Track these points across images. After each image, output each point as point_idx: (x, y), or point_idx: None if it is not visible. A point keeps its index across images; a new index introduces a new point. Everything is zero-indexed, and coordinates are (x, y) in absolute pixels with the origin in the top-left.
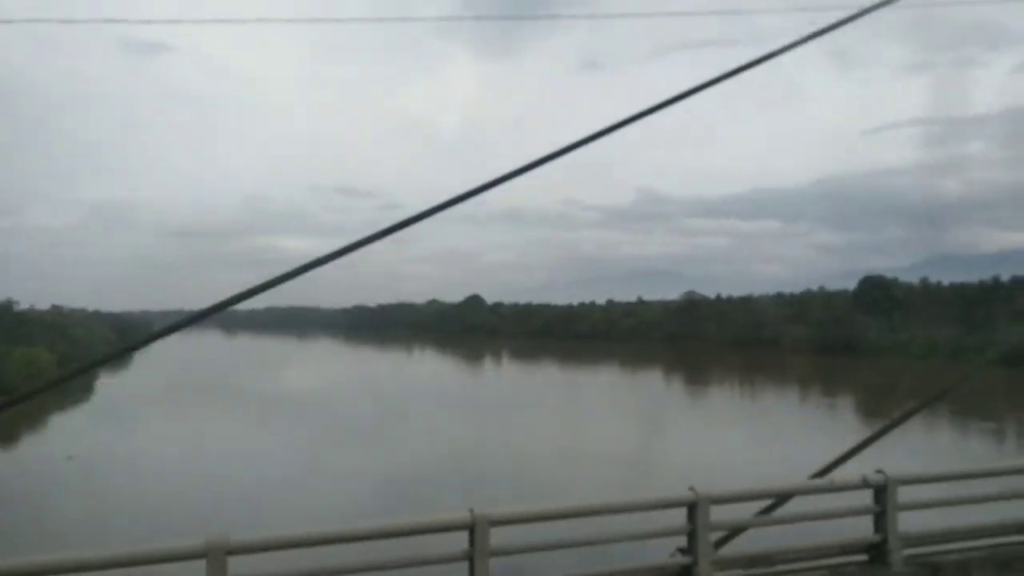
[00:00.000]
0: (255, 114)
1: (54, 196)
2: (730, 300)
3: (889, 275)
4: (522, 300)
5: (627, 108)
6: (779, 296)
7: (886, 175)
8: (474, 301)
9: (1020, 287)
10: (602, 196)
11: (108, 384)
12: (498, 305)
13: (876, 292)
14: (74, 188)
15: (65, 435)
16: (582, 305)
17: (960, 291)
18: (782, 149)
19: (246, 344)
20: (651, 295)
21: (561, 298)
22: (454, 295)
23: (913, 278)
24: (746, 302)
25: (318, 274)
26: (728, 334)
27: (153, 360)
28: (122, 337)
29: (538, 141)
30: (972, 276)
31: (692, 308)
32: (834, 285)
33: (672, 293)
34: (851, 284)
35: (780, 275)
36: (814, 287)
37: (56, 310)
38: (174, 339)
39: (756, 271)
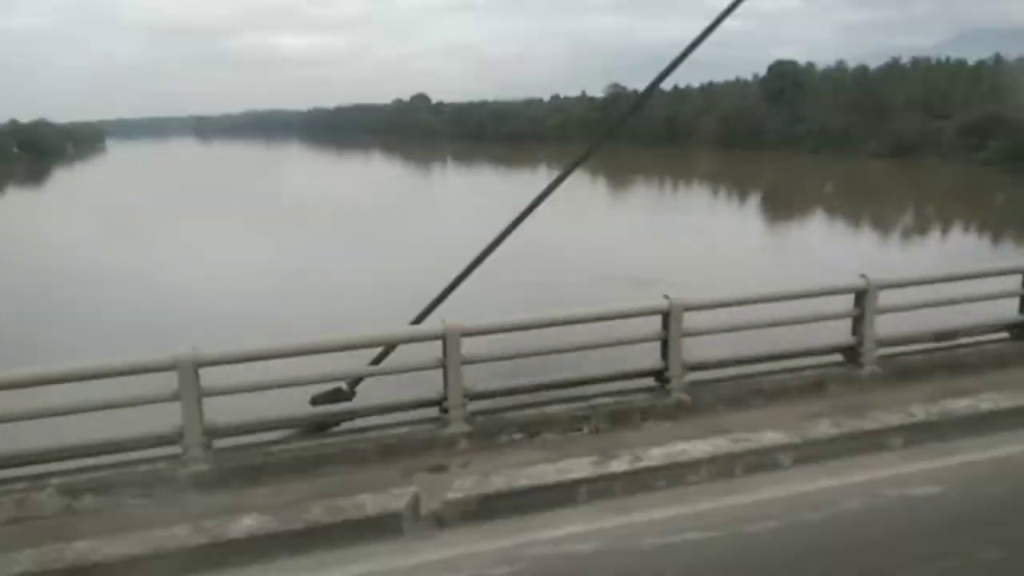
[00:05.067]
0: None
1: None
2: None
3: (915, 54)
4: (537, 95)
5: None
6: (707, 87)
7: None
8: (419, 100)
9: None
10: None
11: None
12: (440, 105)
13: (783, 80)
14: None
15: None
16: (528, 101)
17: (862, 75)
18: None
19: (221, 153)
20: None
21: (572, 92)
22: (455, 94)
23: (943, 55)
24: (671, 95)
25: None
26: (645, 131)
27: (89, 175)
28: (27, 151)
29: None
30: (1009, 51)
31: (614, 103)
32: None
33: (684, 81)
34: (875, 64)
35: (799, 57)
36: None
37: None
38: (142, 148)
39: (774, 55)
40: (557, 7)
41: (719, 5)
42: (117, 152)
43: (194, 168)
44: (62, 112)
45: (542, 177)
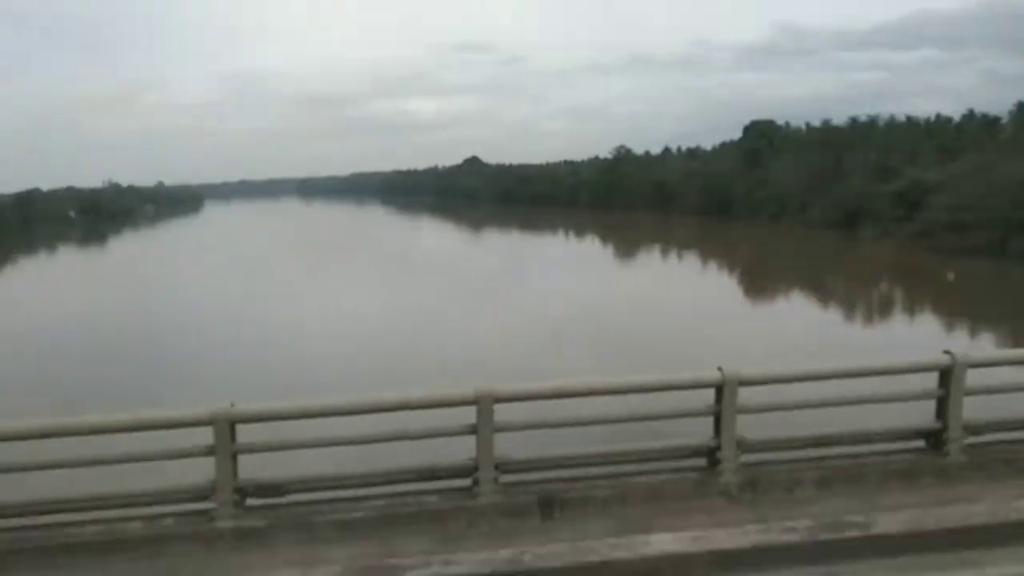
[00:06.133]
0: None
1: (191, 71)
2: (659, 155)
3: None
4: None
5: None
6: (717, 148)
7: None
8: (471, 163)
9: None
10: (734, 33)
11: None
12: (486, 166)
13: (759, 141)
14: (210, 62)
15: None
16: (548, 165)
17: (828, 134)
18: None
19: (313, 210)
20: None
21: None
22: (583, 152)
23: None
24: (668, 158)
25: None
26: (640, 196)
27: (149, 238)
28: (85, 215)
29: None
30: None
31: (616, 166)
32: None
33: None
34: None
35: (944, 109)
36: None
37: None
38: (238, 208)
39: (916, 107)
40: (682, 65)
41: (847, 59)
42: (210, 212)
43: (267, 223)
44: (195, 175)
45: (541, 241)
